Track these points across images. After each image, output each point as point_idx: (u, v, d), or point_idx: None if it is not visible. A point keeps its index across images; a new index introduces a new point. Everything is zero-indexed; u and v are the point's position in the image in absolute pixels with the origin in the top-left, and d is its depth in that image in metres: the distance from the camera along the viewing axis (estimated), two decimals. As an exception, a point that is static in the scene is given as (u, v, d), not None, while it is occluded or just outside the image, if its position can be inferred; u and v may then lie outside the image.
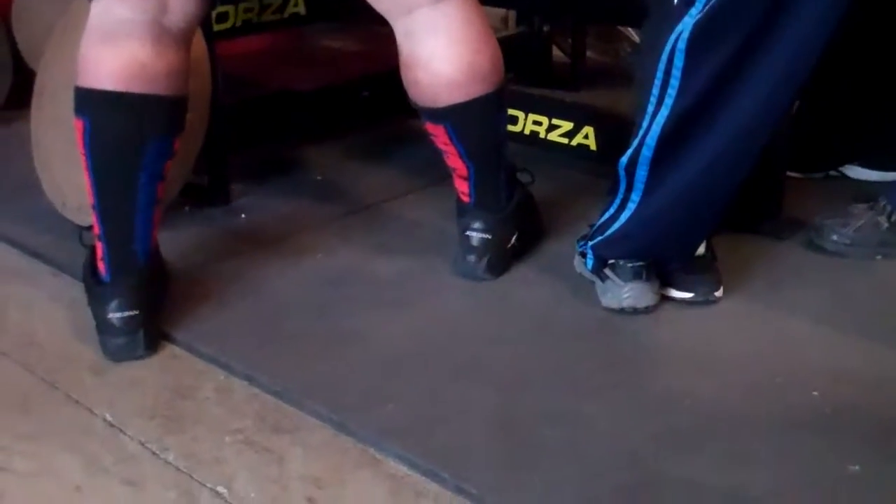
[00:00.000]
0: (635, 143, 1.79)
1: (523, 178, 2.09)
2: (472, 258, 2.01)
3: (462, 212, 2.02)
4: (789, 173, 2.25)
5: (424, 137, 2.02)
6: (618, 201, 1.86)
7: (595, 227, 1.90)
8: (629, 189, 1.83)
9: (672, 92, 1.72)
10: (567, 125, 2.44)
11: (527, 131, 2.50)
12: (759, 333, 1.82)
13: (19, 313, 1.97)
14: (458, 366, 1.75)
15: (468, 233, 2.01)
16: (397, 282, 2.03)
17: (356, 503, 1.46)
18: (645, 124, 1.77)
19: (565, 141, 2.45)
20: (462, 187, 1.99)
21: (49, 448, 1.58)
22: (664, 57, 1.72)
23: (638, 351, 1.78)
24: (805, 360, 1.74)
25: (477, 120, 1.90)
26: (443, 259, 2.07)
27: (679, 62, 1.70)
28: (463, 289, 2.00)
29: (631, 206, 1.83)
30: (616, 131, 2.36)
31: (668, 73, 1.72)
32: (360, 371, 1.74)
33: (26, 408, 1.68)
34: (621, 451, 1.53)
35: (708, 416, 1.60)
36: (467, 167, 1.95)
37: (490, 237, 2.00)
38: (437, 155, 2.02)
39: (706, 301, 1.86)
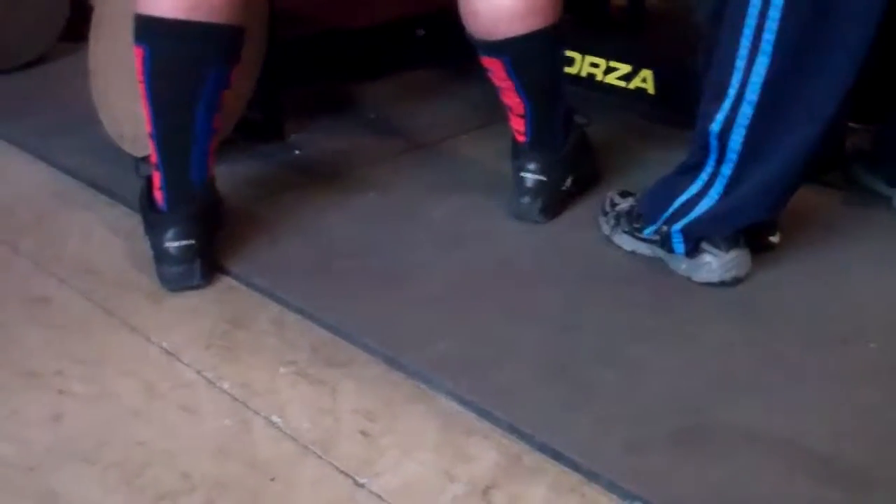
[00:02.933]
0: (727, 104, 1.67)
1: (580, 120, 2.07)
2: (525, 200, 2.00)
3: (517, 152, 2.01)
4: (851, 124, 2.21)
5: (479, 77, 2.01)
6: (704, 177, 1.75)
7: (675, 208, 1.78)
8: (720, 161, 1.72)
9: (770, 37, 1.60)
10: (625, 68, 2.41)
11: (583, 73, 2.48)
12: (818, 282, 1.80)
13: (77, 242, 1.99)
14: (510, 306, 1.75)
15: (523, 174, 2.00)
16: (450, 221, 2.03)
17: (408, 437, 1.46)
18: (736, 80, 1.65)
19: (623, 84, 2.43)
20: (518, 126, 1.98)
21: (107, 373, 1.60)
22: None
23: (692, 296, 1.76)
24: (863, 310, 1.72)
25: (535, 54, 1.88)
26: (496, 200, 2.06)
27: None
28: (516, 230, 2.00)
29: (721, 181, 1.73)
30: (675, 75, 2.35)
31: (763, 14, 1.60)
32: (413, 308, 1.75)
33: (84, 333, 1.71)
34: (674, 395, 1.52)
35: (763, 364, 1.59)
36: (524, 104, 1.93)
37: (545, 179, 1.99)
38: (492, 95, 2.01)
39: (762, 246, 1.84)
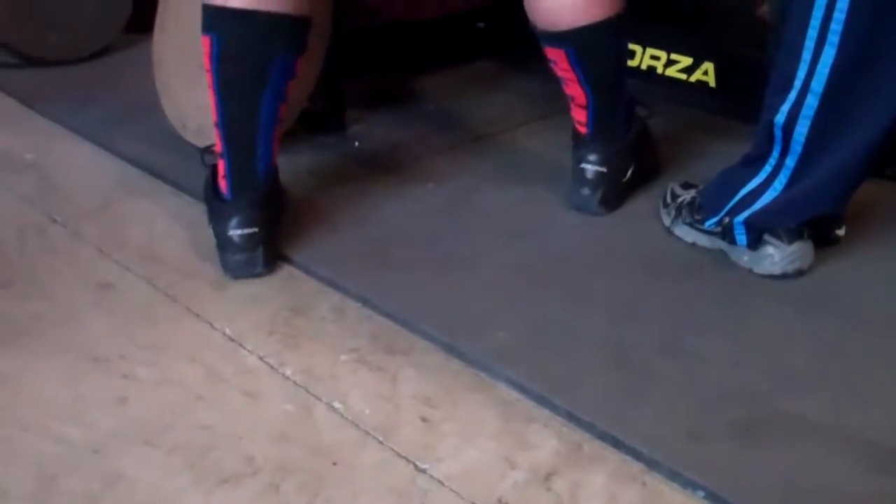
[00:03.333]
0: (792, 95, 1.66)
1: (641, 111, 2.07)
2: (585, 191, 2.00)
3: (578, 143, 2.01)
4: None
5: (539, 70, 2.01)
6: (768, 168, 1.74)
7: (738, 199, 1.78)
8: (784, 153, 1.71)
9: (837, 27, 1.59)
10: (686, 60, 2.39)
11: (644, 66, 2.46)
12: (881, 276, 1.78)
13: (141, 230, 2.01)
14: (569, 296, 1.75)
15: (583, 165, 2.00)
16: (509, 212, 2.04)
17: (468, 424, 1.47)
18: (802, 71, 1.64)
19: (683, 77, 2.41)
20: (579, 117, 1.98)
21: (170, 358, 1.62)
22: None
23: (753, 288, 1.76)
24: (926, 304, 1.71)
25: (599, 44, 1.88)
26: (555, 191, 2.07)
27: None
28: (575, 221, 2.00)
29: (785, 172, 1.72)
30: (737, 68, 2.33)
31: (830, 5, 1.59)
32: (472, 298, 1.75)
33: (148, 319, 1.73)
34: (734, 386, 1.51)
35: (825, 356, 1.58)
36: (586, 95, 1.93)
37: (605, 170, 1.99)
38: (552, 87, 2.01)
39: (828, 239, 1.82)
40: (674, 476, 1.35)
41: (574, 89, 1.94)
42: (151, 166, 2.25)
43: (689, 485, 1.34)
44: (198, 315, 1.73)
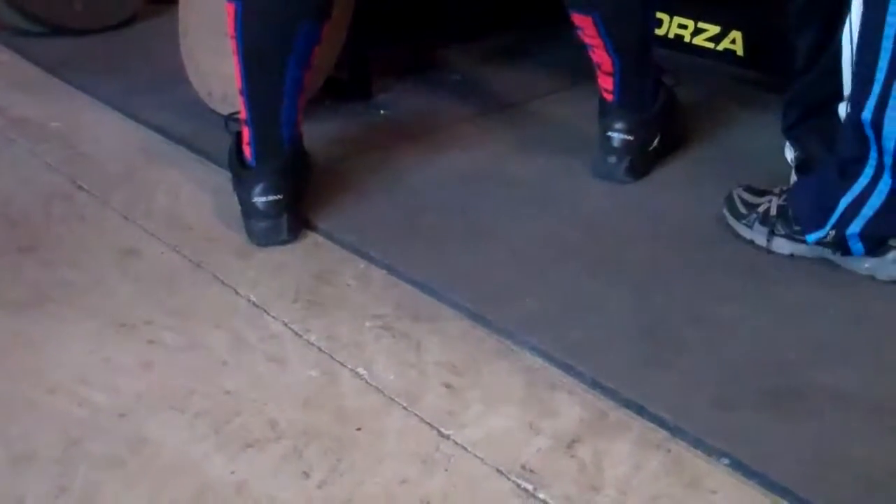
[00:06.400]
0: (876, 88, 1.54)
1: (669, 80, 2.05)
2: (612, 159, 1.99)
3: (604, 111, 1.99)
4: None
5: (566, 40, 2.00)
6: (870, 171, 1.61)
7: (842, 210, 1.64)
8: (881, 152, 1.58)
9: None
10: (714, 29, 2.37)
11: (671, 35, 2.44)
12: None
13: (167, 198, 2.02)
14: (595, 264, 1.74)
15: (609, 133, 1.98)
16: (535, 181, 2.03)
17: (492, 391, 1.47)
18: (884, 62, 1.51)
19: (711, 45, 2.38)
20: (606, 84, 1.96)
21: (196, 324, 1.63)
22: None
23: (780, 260, 1.74)
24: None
25: (625, 10, 1.87)
26: (582, 160, 2.05)
27: None
28: (602, 190, 1.98)
29: (888, 172, 1.59)
30: (765, 37, 2.30)
31: None
32: (498, 266, 1.75)
33: (174, 286, 1.73)
34: (762, 355, 1.50)
35: (852, 327, 1.56)
36: (613, 62, 1.91)
37: (632, 139, 1.98)
38: (578, 57, 1.99)
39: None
40: (698, 444, 1.35)
41: (601, 56, 1.92)
42: (176, 134, 2.25)
43: (714, 452, 1.33)
44: (223, 282, 1.73)
